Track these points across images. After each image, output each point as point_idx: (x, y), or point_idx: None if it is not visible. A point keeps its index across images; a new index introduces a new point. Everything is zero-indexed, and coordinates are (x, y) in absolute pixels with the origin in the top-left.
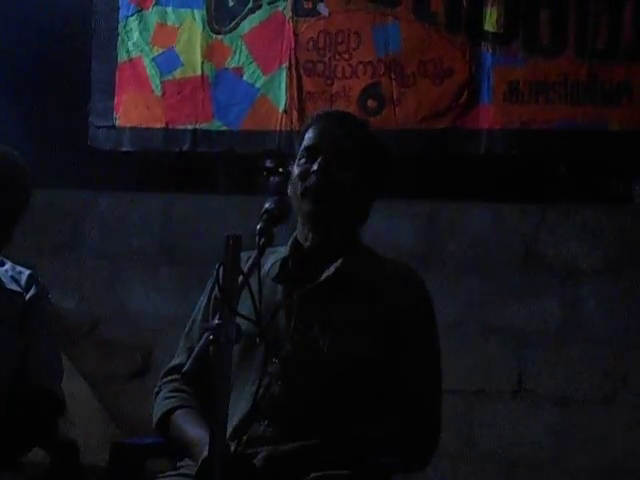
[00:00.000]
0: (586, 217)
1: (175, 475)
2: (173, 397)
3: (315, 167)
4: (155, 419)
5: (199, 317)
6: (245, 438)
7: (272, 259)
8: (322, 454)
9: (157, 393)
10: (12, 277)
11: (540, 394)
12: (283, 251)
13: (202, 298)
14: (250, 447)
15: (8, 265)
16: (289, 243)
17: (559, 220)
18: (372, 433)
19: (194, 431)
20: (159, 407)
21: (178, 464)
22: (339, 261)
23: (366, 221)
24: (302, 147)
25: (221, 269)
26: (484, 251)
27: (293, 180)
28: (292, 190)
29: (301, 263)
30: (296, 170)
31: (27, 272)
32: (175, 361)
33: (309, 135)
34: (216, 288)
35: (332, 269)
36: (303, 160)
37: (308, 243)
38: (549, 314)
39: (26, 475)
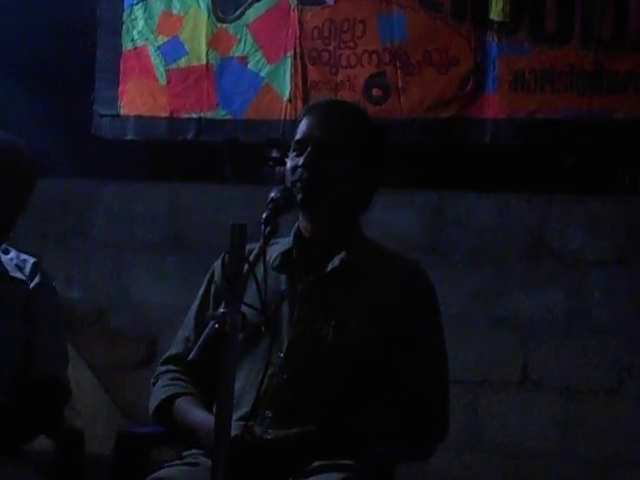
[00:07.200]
0: (592, 207)
1: (181, 464)
2: (171, 385)
3: (301, 161)
4: (152, 407)
5: (196, 307)
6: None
7: (276, 250)
8: (322, 443)
9: (154, 383)
10: (16, 265)
11: (545, 385)
12: (286, 242)
13: (201, 288)
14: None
15: (13, 253)
16: (292, 233)
17: (565, 210)
18: (373, 427)
19: (200, 416)
20: (156, 395)
21: (183, 453)
22: (343, 253)
23: (367, 208)
24: (294, 139)
25: (226, 258)
26: (490, 241)
27: (287, 172)
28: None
29: (304, 253)
30: (289, 163)
31: (31, 260)
32: (172, 351)
33: (300, 127)
34: (216, 278)
35: (337, 261)
36: (294, 153)
37: (308, 233)
38: (555, 305)
39: (32, 464)
